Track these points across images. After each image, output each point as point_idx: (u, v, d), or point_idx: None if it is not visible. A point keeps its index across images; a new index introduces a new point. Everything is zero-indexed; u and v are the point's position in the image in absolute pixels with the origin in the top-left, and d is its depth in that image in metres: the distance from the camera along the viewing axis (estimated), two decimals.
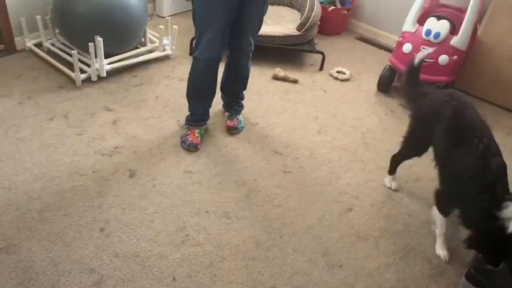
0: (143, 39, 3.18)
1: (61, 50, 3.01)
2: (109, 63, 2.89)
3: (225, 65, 2.56)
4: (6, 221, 1.93)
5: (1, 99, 2.60)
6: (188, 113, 2.53)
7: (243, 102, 2.70)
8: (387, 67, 3.17)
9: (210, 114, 2.57)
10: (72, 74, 2.81)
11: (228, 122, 2.63)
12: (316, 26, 3.46)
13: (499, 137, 2.80)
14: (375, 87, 3.24)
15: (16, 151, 2.29)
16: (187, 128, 2.51)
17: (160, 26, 3.12)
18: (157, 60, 3.21)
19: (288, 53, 3.45)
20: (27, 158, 2.26)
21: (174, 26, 3.17)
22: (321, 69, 3.40)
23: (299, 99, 3.03)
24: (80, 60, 2.83)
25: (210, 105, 2.52)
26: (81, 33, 2.77)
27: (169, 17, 3.27)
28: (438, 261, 2.01)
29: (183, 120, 2.65)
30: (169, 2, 3.85)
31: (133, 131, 2.54)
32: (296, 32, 3.35)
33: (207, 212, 2.11)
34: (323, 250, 2.00)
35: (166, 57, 3.25)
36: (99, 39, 2.70)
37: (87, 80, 2.86)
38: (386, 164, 2.40)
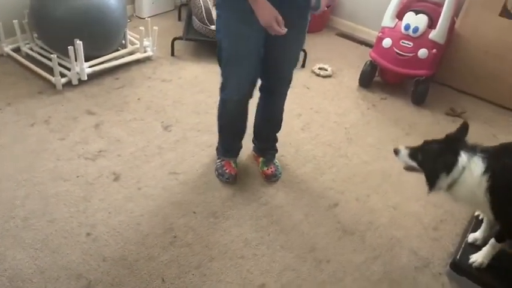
0: (124, 41, 3.16)
1: (40, 54, 2.97)
2: (90, 67, 2.86)
3: (257, 107, 2.27)
4: None
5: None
6: (217, 144, 2.38)
7: (277, 144, 2.44)
8: (368, 62, 3.21)
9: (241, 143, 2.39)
10: (52, 79, 2.77)
11: (265, 169, 2.35)
12: None
13: (478, 127, 2.89)
14: (357, 83, 3.27)
15: None
16: (221, 160, 2.33)
17: (141, 28, 3.10)
18: (138, 62, 3.19)
19: None
20: (9, 165, 2.23)
21: (154, 27, 3.15)
22: (303, 66, 3.42)
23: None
24: (60, 64, 2.79)
25: (242, 138, 2.34)
26: (60, 36, 2.74)
27: (149, 18, 3.25)
28: (424, 253, 2.05)
29: (166, 121, 2.64)
30: (148, 3, 3.82)
31: (117, 134, 2.52)
32: None
33: (194, 212, 2.11)
34: (310, 246, 2.02)
35: (147, 59, 3.23)
36: (79, 43, 2.67)
37: (68, 84, 2.83)
38: (370, 159, 2.43)
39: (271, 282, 1.84)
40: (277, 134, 2.39)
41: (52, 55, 2.71)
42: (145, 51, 3.19)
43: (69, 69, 2.80)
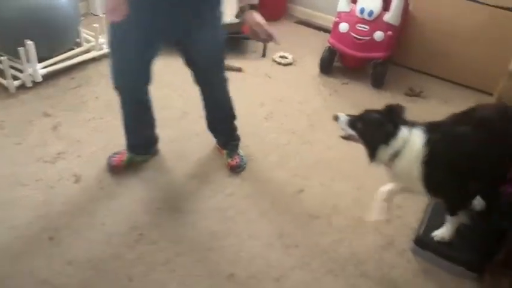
0: (78, 40, 3.07)
1: None
2: (44, 67, 2.77)
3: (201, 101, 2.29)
4: None
5: None
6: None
7: (238, 132, 2.42)
8: (327, 48, 3.23)
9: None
10: (4, 82, 2.68)
11: (230, 160, 2.35)
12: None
13: (436, 105, 2.96)
14: (318, 69, 3.30)
15: None
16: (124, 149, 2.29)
17: (95, 25, 3.02)
18: (94, 60, 3.11)
19: (229, 41, 3.41)
20: None
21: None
22: (263, 55, 3.42)
23: (244, 87, 3.04)
24: (12, 67, 2.70)
25: (138, 133, 2.27)
26: (9, 38, 2.64)
27: (104, 15, 3.15)
28: (388, 231, 2.09)
29: None
30: None
31: (76, 135, 2.47)
32: (235, 20, 3.32)
33: (158, 208, 2.09)
34: (278, 232, 2.04)
35: (103, 57, 3.15)
36: (30, 43, 2.59)
37: (22, 87, 2.74)
38: (333, 144, 2.45)
39: (240, 271, 1.85)
40: (237, 123, 2.38)
41: (2, 57, 2.61)
42: (101, 49, 3.11)
43: (21, 71, 2.71)
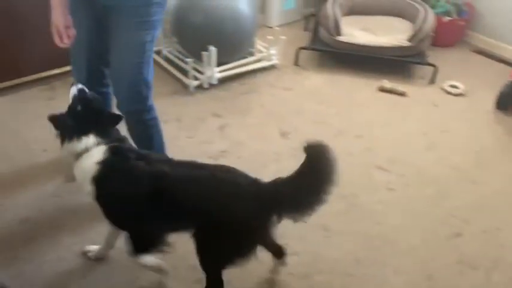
0: (252, 49, 3.30)
1: (177, 58, 3.24)
2: (220, 72, 3.04)
3: None
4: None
5: None
6: None
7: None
8: (508, 83, 2.90)
9: None
10: (186, 81, 3.01)
11: None
12: (428, 37, 3.29)
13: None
14: (493, 105, 2.98)
15: None
16: None
17: (269, 37, 3.21)
18: (264, 69, 3.30)
19: (396, 64, 3.33)
20: None
21: (282, 37, 3.24)
22: (432, 82, 3.23)
23: (407, 113, 2.91)
24: (194, 68, 3.02)
25: None
26: (197, 42, 2.96)
27: (278, 28, 3.34)
28: None
29: (285, 129, 2.70)
30: (278, 12, 3.94)
31: (239, 137, 2.64)
32: (406, 43, 3.22)
33: (304, 222, 2.10)
34: (426, 274, 1.89)
35: (272, 67, 3.33)
36: (213, 49, 2.86)
37: (199, 87, 3.04)
38: (503, 188, 2.19)
39: None
40: None
41: (188, 59, 2.94)
42: (271, 60, 3.29)
43: (201, 73, 3.01)
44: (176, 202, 1.51)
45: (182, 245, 1.64)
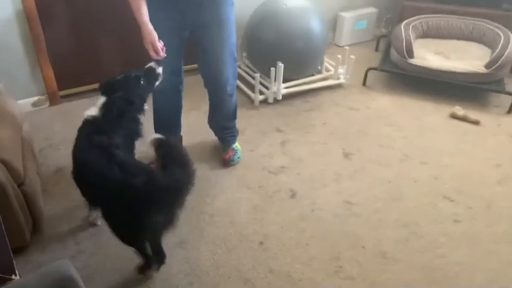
0: (319, 67, 3.30)
1: (245, 72, 3.31)
2: (285, 88, 3.07)
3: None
4: (183, 219, 2.18)
5: (191, 112, 2.96)
6: None
7: (236, 128, 2.58)
8: None
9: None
10: (252, 95, 3.07)
11: (224, 155, 2.52)
12: (508, 64, 3.11)
13: None
14: None
15: None
16: None
17: (338, 56, 3.20)
18: (330, 88, 3.28)
19: (470, 90, 3.18)
20: None
21: (352, 56, 3.21)
22: (509, 112, 3.04)
23: (479, 143, 2.76)
24: (261, 83, 3.07)
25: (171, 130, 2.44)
26: (265, 58, 3.02)
27: (347, 47, 3.32)
28: None
29: (348, 149, 2.66)
30: (348, 32, 3.92)
31: (299, 154, 2.64)
32: (483, 70, 3.07)
33: (363, 247, 2.05)
34: None
35: (339, 86, 3.31)
36: (280, 65, 2.90)
37: (264, 102, 3.09)
38: None
39: None
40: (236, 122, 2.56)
41: (256, 74, 3.00)
42: (338, 79, 3.27)
43: (267, 88, 3.05)
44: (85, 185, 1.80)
45: None
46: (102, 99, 1.88)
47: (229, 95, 2.37)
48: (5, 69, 2.72)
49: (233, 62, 2.27)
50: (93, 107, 1.87)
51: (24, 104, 2.80)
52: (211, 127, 2.59)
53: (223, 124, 2.54)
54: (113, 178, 1.59)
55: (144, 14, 1.95)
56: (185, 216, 2.17)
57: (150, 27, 1.96)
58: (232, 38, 2.20)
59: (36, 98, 2.95)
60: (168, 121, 2.45)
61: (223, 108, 2.45)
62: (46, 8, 2.74)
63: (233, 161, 2.54)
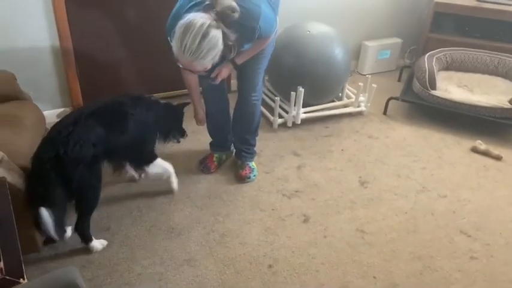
0: (340, 94, 3.31)
1: (266, 95, 3.34)
2: (305, 112, 3.08)
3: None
4: (193, 236, 2.18)
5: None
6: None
7: (255, 149, 2.66)
8: None
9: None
10: (271, 118, 3.09)
11: (240, 171, 2.58)
12: None
13: None
14: None
15: None
16: (210, 152, 2.71)
17: (360, 83, 3.20)
18: (350, 115, 3.28)
19: (493, 125, 3.12)
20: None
21: (373, 85, 3.21)
22: None
23: (500, 179, 2.69)
24: (280, 107, 3.09)
25: (223, 133, 2.67)
26: (286, 82, 3.04)
27: (369, 76, 3.32)
28: None
29: (364, 177, 2.64)
30: (371, 61, 3.93)
31: (315, 179, 2.62)
32: (507, 105, 3.02)
33: (374, 277, 2.01)
34: None
35: (359, 114, 3.30)
36: (301, 90, 2.92)
37: (283, 125, 3.10)
38: None
39: None
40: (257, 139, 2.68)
41: (276, 97, 3.02)
42: (358, 106, 3.27)
43: (287, 112, 3.07)
44: None
45: None
46: None
47: (253, 101, 2.46)
48: (34, 79, 2.82)
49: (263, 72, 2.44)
50: None
51: (49, 114, 2.88)
52: (232, 134, 2.66)
53: (244, 136, 2.59)
54: None
55: (196, 97, 2.40)
56: (195, 233, 2.19)
57: (202, 113, 2.49)
58: (268, 56, 2.38)
59: (61, 110, 3.04)
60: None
61: (246, 115, 2.52)
62: (77, 24, 2.85)
63: (249, 178, 2.56)
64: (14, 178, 1.73)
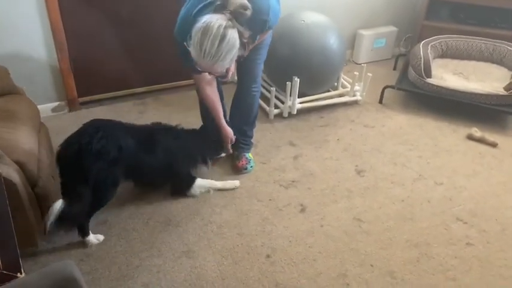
0: (336, 83, 3.30)
1: (261, 85, 3.32)
2: (301, 103, 3.08)
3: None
4: (191, 228, 2.19)
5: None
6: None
7: (252, 140, 2.67)
8: None
9: None
10: (267, 108, 3.08)
11: (237, 162, 2.57)
12: None
13: None
14: None
15: None
16: None
17: (355, 73, 3.20)
18: (345, 104, 3.28)
19: (488, 112, 3.13)
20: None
21: (369, 74, 3.21)
22: None
23: (495, 165, 2.70)
24: (276, 97, 3.08)
25: None
26: (282, 72, 3.03)
27: (365, 65, 3.32)
28: None
29: (361, 166, 2.64)
30: (367, 50, 3.92)
31: (311, 168, 2.63)
32: (502, 92, 3.03)
33: (371, 265, 2.02)
34: None
35: (354, 103, 3.30)
36: (296, 80, 2.91)
37: (279, 116, 3.10)
38: None
39: None
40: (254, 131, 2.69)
41: (271, 88, 3.02)
42: (354, 95, 3.27)
43: (282, 102, 3.07)
44: None
45: None
46: None
47: (253, 93, 2.47)
48: (28, 74, 2.81)
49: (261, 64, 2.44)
50: None
51: (44, 109, 2.87)
52: (229, 125, 2.63)
53: (242, 127, 2.59)
54: None
55: (222, 118, 2.39)
56: (193, 225, 2.20)
57: (229, 128, 2.44)
58: (266, 47, 2.37)
59: (56, 104, 3.03)
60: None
61: (246, 106, 2.53)
62: (70, 18, 2.83)
63: (246, 169, 2.56)
64: (9, 172, 1.72)
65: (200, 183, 2.37)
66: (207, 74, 2.11)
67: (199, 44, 1.75)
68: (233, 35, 1.77)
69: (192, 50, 1.80)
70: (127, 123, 2.20)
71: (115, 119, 2.19)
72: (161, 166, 2.22)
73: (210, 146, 2.48)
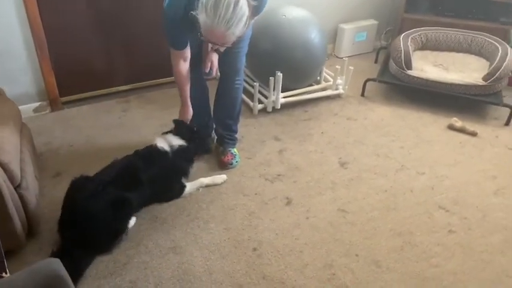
0: (318, 78, 3.33)
1: (245, 81, 3.33)
2: (284, 97, 3.10)
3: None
4: (177, 224, 2.19)
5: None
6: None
7: (237, 135, 2.67)
8: None
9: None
10: (251, 104, 3.09)
11: (222, 157, 2.58)
12: (506, 77, 3.13)
13: None
14: None
15: None
16: None
17: (337, 66, 3.23)
18: (328, 98, 3.31)
19: (468, 103, 3.20)
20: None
21: (350, 67, 3.24)
22: (507, 124, 3.05)
23: (476, 154, 2.77)
24: (260, 92, 3.10)
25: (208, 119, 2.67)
26: (264, 67, 3.05)
27: (347, 58, 3.35)
28: None
29: (344, 158, 2.67)
30: (348, 43, 3.96)
31: (296, 162, 2.65)
32: (481, 82, 3.09)
33: (356, 255, 2.05)
34: None
35: (337, 96, 3.34)
36: (279, 75, 2.93)
37: (263, 111, 3.11)
38: None
39: None
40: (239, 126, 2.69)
41: (254, 83, 3.03)
42: (336, 89, 3.30)
43: (266, 97, 3.08)
44: None
45: None
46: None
47: (236, 85, 2.48)
48: (8, 74, 2.77)
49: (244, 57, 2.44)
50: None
51: (25, 109, 2.84)
52: (214, 120, 2.67)
53: (226, 121, 2.60)
54: None
55: (187, 92, 2.30)
56: (179, 221, 2.20)
57: (190, 106, 2.36)
58: (247, 39, 2.39)
59: (37, 104, 2.99)
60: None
61: (229, 100, 2.53)
62: (49, 15, 2.79)
63: (231, 164, 2.57)
64: None
65: (190, 187, 2.38)
66: (187, 50, 2.12)
67: (213, 9, 1.76)
68: (244, 1, 1.80)
69: (204, 17, 1.79)
70: (105, 171, 2.18)
71: (89, 175, 2.13)
72: (153, 192, 2.23)
73: (191, 150, 2.40)
